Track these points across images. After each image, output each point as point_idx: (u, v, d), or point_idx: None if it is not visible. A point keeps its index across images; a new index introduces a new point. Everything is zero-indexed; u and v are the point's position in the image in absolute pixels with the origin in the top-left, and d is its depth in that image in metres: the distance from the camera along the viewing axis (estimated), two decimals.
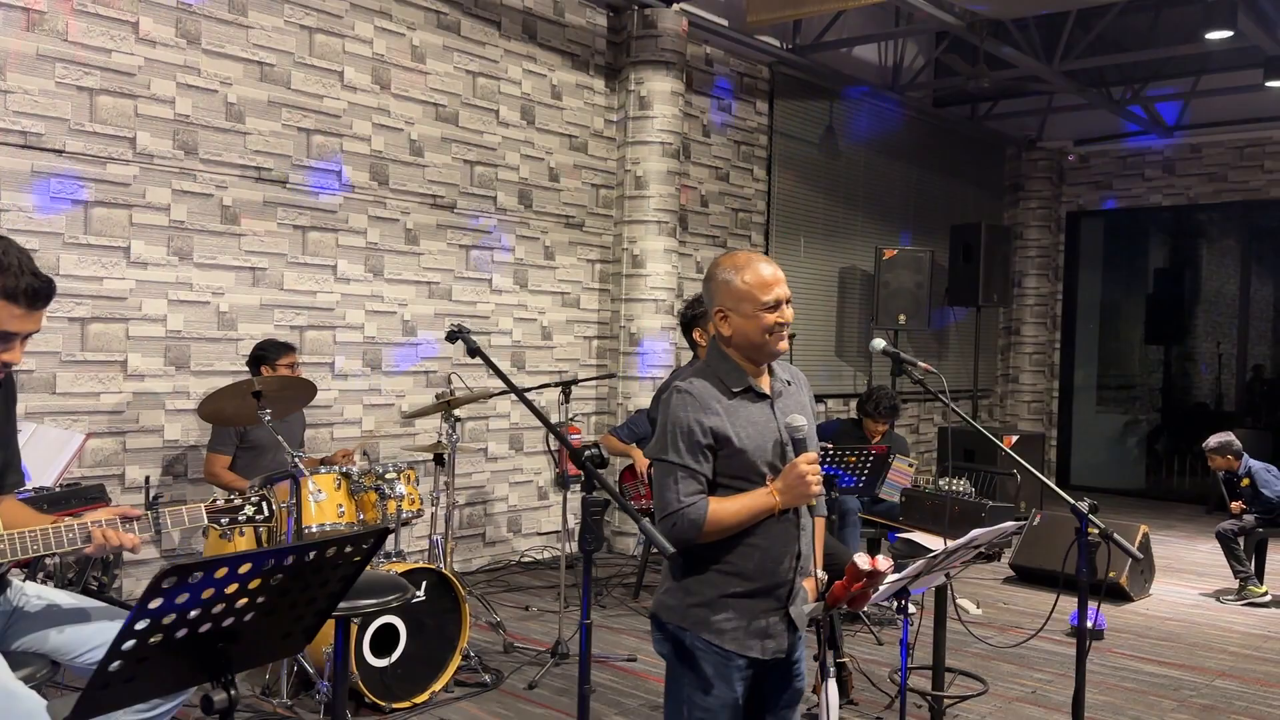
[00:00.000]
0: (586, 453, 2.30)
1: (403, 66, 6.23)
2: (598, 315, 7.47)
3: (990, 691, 4.82)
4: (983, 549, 2.76)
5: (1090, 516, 2.97)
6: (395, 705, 4.25)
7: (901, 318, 9.15)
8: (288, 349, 5.02)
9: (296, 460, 4.09)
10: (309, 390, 4.50)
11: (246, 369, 5.13)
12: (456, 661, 4.47)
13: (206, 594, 1.75)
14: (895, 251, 9.16)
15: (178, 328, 5.34)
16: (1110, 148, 11.34)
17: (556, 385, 5.30)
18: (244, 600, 1.84)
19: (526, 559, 6.96)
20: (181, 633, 1.77)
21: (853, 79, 9.29)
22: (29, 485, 3.65)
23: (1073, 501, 3.01)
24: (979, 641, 5.45)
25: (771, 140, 8.80)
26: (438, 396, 4.99)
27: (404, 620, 4.29)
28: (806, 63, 8.75)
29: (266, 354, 4.98)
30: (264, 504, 2.51)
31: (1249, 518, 6.61)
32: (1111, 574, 6.56)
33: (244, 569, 1.78)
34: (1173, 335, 11.58)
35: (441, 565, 4.72)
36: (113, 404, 5.12)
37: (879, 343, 3.40)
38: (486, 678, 4.61)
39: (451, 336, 2.86)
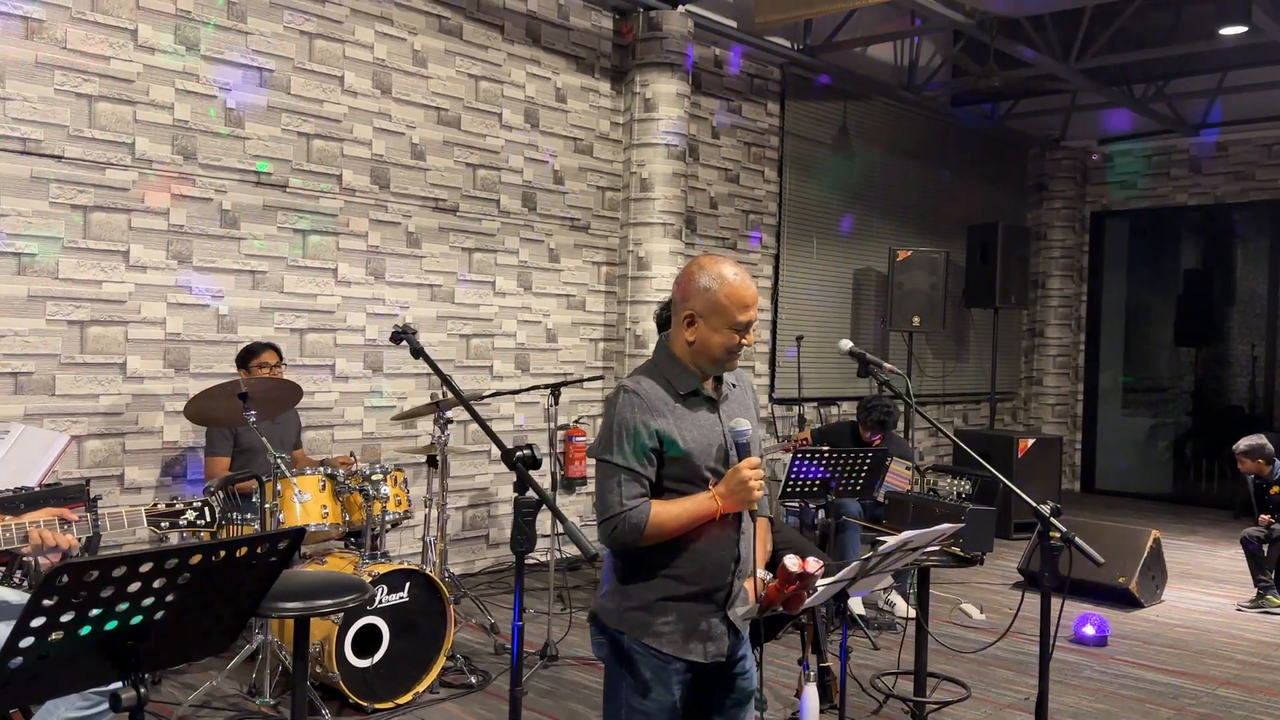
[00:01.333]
0: (518, 453, 2.29)
1: (404, 71, 6.28)
2: (604, 318, 7.47)
3: (983, 698, 4.76)
4: (926, 550, 2.70)
5: (1053, 520, 2.92)
6: (378, 705, 4.28)
7: (916, 319, 9.06)
8: (263, 349, 5.06)
9: (278, 461, 4.13)
10: (295, 392, 4.54)
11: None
12: (441, 663, 4.49)
13: (107, 592, 1.77)
14: (909, 253, 9.07)
15: (177, 330, 5.41)
16: (1134, 146, 11.15)
17: (546, 388, 5.31)
18: (151, 599, 1.85)
19: (528, 561, 6.96)
20: (84, 630, 1.79)
21: (866, 79, 9.22)
22: (8, 485, 3.70)
23: (1035, 504, 2.96)
24: (987, 646, 5.38)
25: (783, 141, 8.75)
26: (431, 398, 5.02)
27: (387, 621, 4.31)
28: (818, 63, 8.69)
29: (248, 354, 5.03)
30: (206, 509, 2.53)
31: (1278, 526, 6.45)
32: (1121, 580, 6.45)
33: (145, 568, 1.79)
34: (1203, 337, 11.35)
35: (427, 567, 4.73)
36: (111, 405, 5.20)
37: (845, 343, 3.37)
38: (473, 679, 4.62)
39: (395, 337, 2.87)
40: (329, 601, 3.09)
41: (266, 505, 4.22)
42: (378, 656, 4.29)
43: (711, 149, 8.19)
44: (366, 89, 6.12)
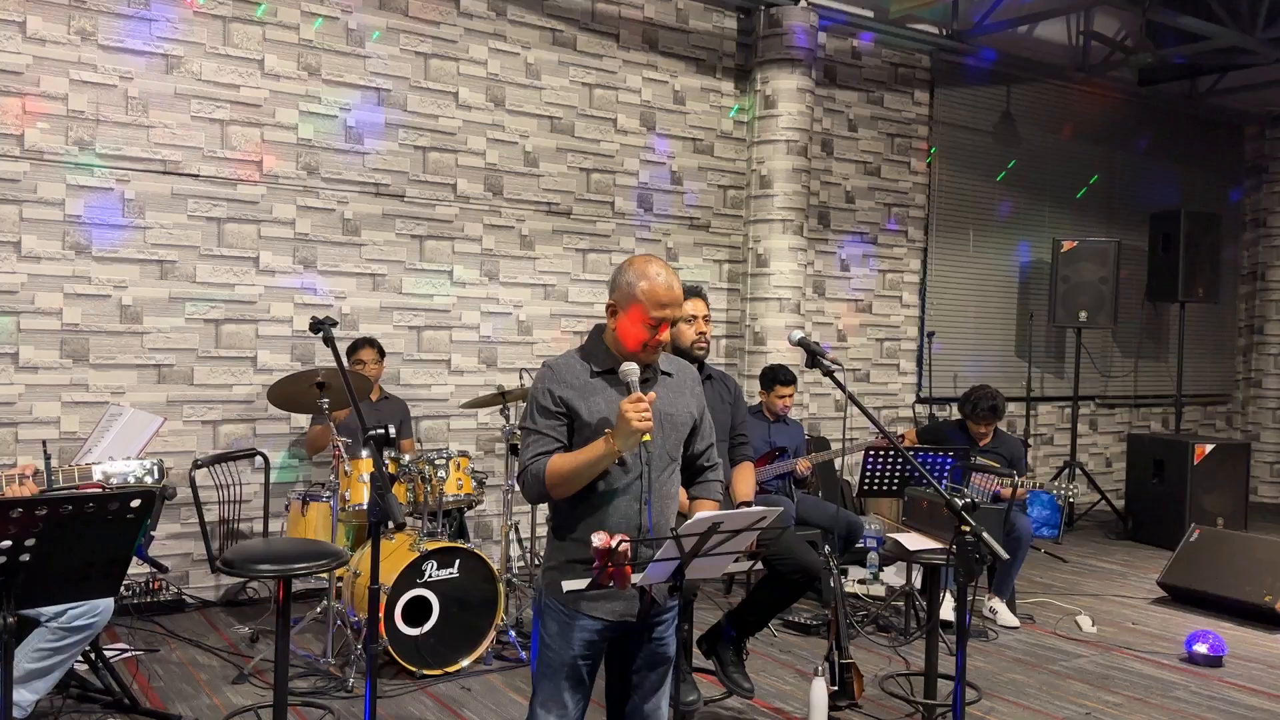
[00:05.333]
0: (371, 432, 2.53)
1: (517, 84, 6.65)
2: (726, 314, 7.56)
3: (1036, 709, 4.52)
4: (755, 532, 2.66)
5: (964, 515, 2.82)
6: (426, 671, 4.63)
7: (1082, 314, 8.51)
8: (363, 345, 5.57)
9: (338, 444, 4.58)
10: (365, 385, 4.99)
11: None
12: (491, 636, 4.79)
13: None
14: (1075, 243, 8.53)
15: (302, 328, 6.02)
16: None
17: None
18: (8, 544, 2.22)
19: None
20: None
21: (1029, 60, 8.76)
22: (117, 456, 4.33)
23: (947, 497, 2.87)
24: (1077, 655, 5.09)
25: (932, 130, 8.48)
26: (499, 389, 5.35)
27: (437, 595, 4.66)
28: (971, 48, 8.36)
29: (350, 349, 5.55)
30: (156, 469, 2.93)
31: None
32: (1268, 598, 5.86)
33: None
34: None
35: (472, 545, 5.03)
36: (244, 394, 5.87)
37: (796, 334, 3.37)
38: (523, 655, 4.90)
39: (315, 327, 3.16)
40: (302, 565, 3.44)
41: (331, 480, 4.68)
42: (427, 626, 4.65)
43: (848, 142, 8.07)
44: (480, 102, 6.54)
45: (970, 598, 2.91)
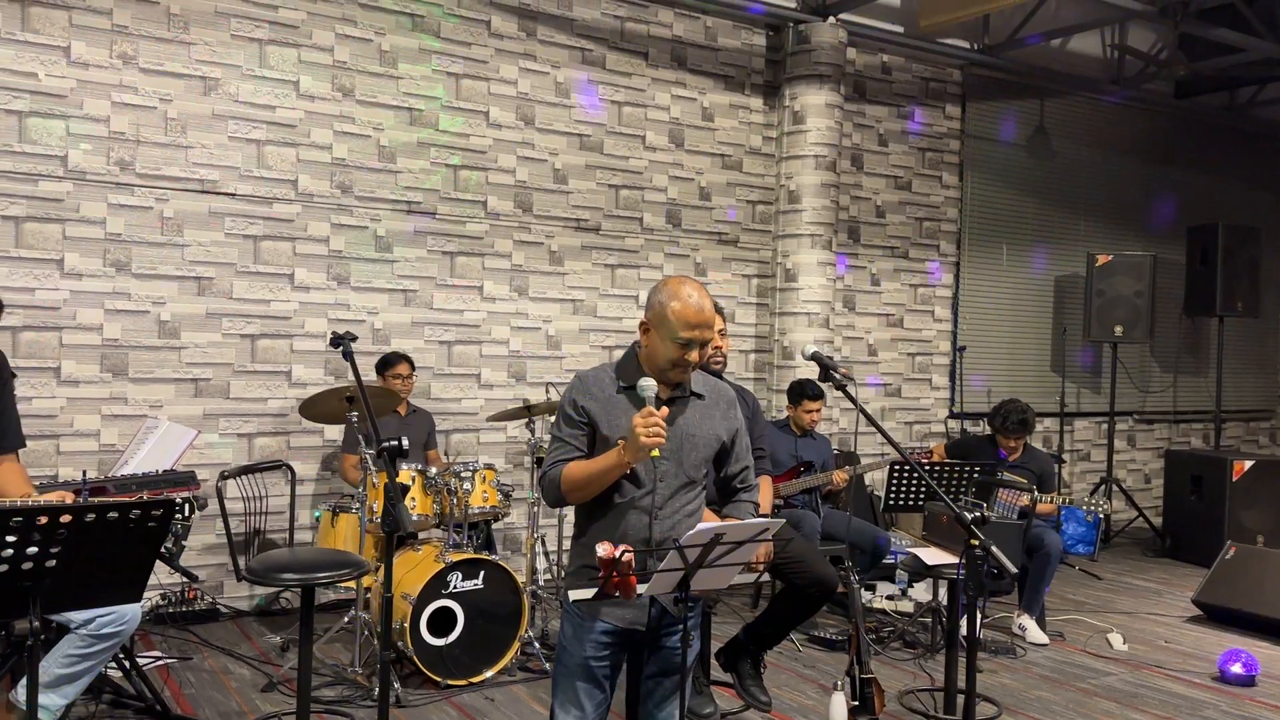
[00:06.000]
0: (384, 444, 2.60)
1: (547, 103, 6.75)
2: (755, 329, 7.59)
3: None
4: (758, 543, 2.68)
5: (973, 528, 2.83)
6: (451, 681, 4.69)
7: (1118, 329, 8.43)
8: (398, 360, 5.69)
9: (365, 457, 4.67)
10: (393, 400, 5.08)
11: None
12: (515, 647, 4.85)
13: None
14: (1110, 257, 8.46)
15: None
16: None
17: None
18: (35, 548, 2.31)
19: None
20: None
21: (1062, 74, 8.72)
22: (151, 469, 4.45)
23: (956, 511, 2.88)
24: (1106, 674, 5.04)
25: (964, 145, 8.46)
26: (524, 403, 5.41)
27: (462, 605, 4.73)
28: (1002, 62, 8.34)
29: (384, 364, 5.67)
30: (187, 504, 3.02)
31: None
32: None
33: (15, 521, 2.26)
34: None
35: (497, 557, 5.09)
36: (279, 408, 5.99)
37: (809, 348, 3.40)
38: (548, 666, 4.94)
39: (335, 342, 3.24)
40: (325, 574, 3.52)
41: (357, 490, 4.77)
42: (452, 637, 4.71)
43: (879, 157, 8.08)
44: (511, 121, 6.64)
45: (980, 610, 2.91)
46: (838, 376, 3.21)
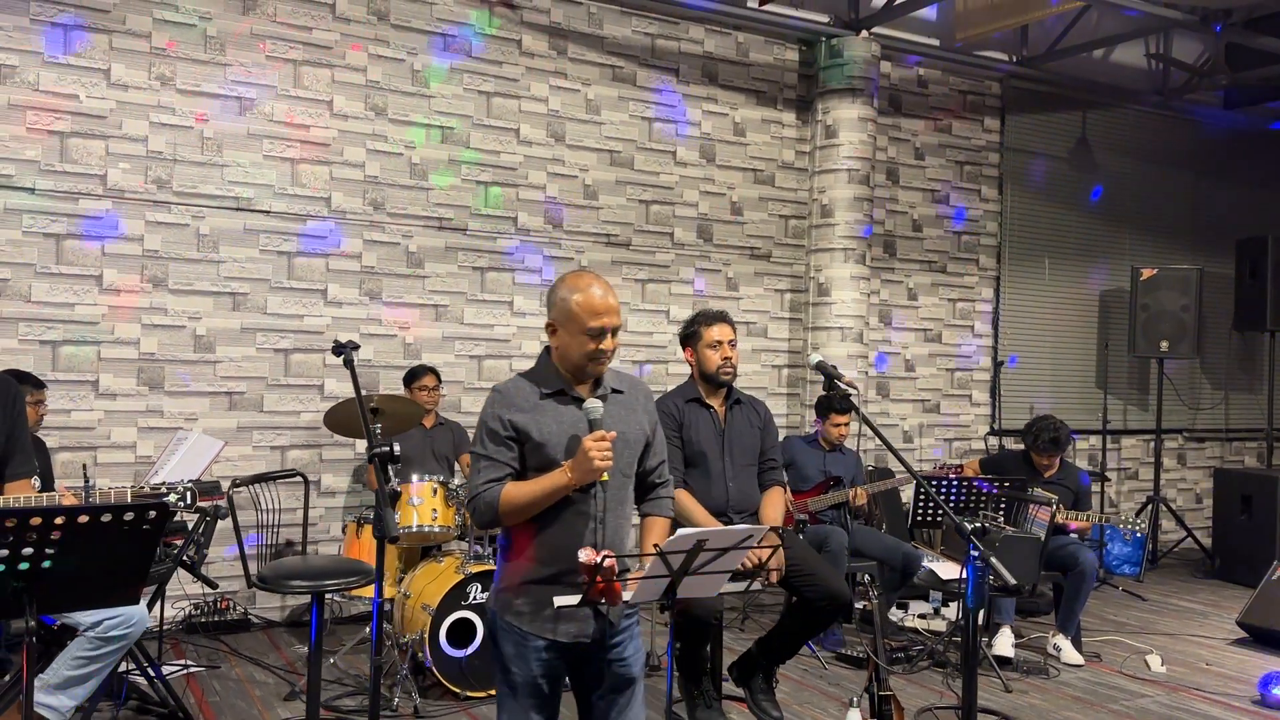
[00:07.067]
0: (376, 450, 2.63)
1: (577, 119, 6.80)
2: (788, 344, 7.54)
3: None
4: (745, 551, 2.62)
5: (973, 539, 2.79)
6: (470, 693, 4.71)
7: (1164, 344, 8.24)
8: (424, 372, 5.76)
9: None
10: (417, 412, 5.14)
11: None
12: None
13: None
14: (1155, 271, 8.28)
15: (368, 357, 6.23)
16: None
17: None
18: (29, 550, 2.37)
19: None
20: None
21: (1104, 85, 8.58)
22: (180, 478, 4.54)
23: (957, 521, 2.84)
24: (1140, 695, 4.91)
25: (1003, 158, 8.36)
26: None
27: (482, 618, 4.74)
28: (1042, 74, 8.24)
29: (411, 376, 5.74)
30: (188, 493, 3.08)
31: None
32: None
33: (10, 523, 2.32)
34: None
35: None
36: (311, 421, 6.08)
37: (815, 357, 3.38)
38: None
39: (337, 351, 3.28)
40: (335, 581, 3.56)
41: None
42: (472, 648, 4.73)
43: (914, 170, 8.02)
44: (541, 138, 6.70)
45: (974, 624, 2.85)
46: (842, 386, 3.18)
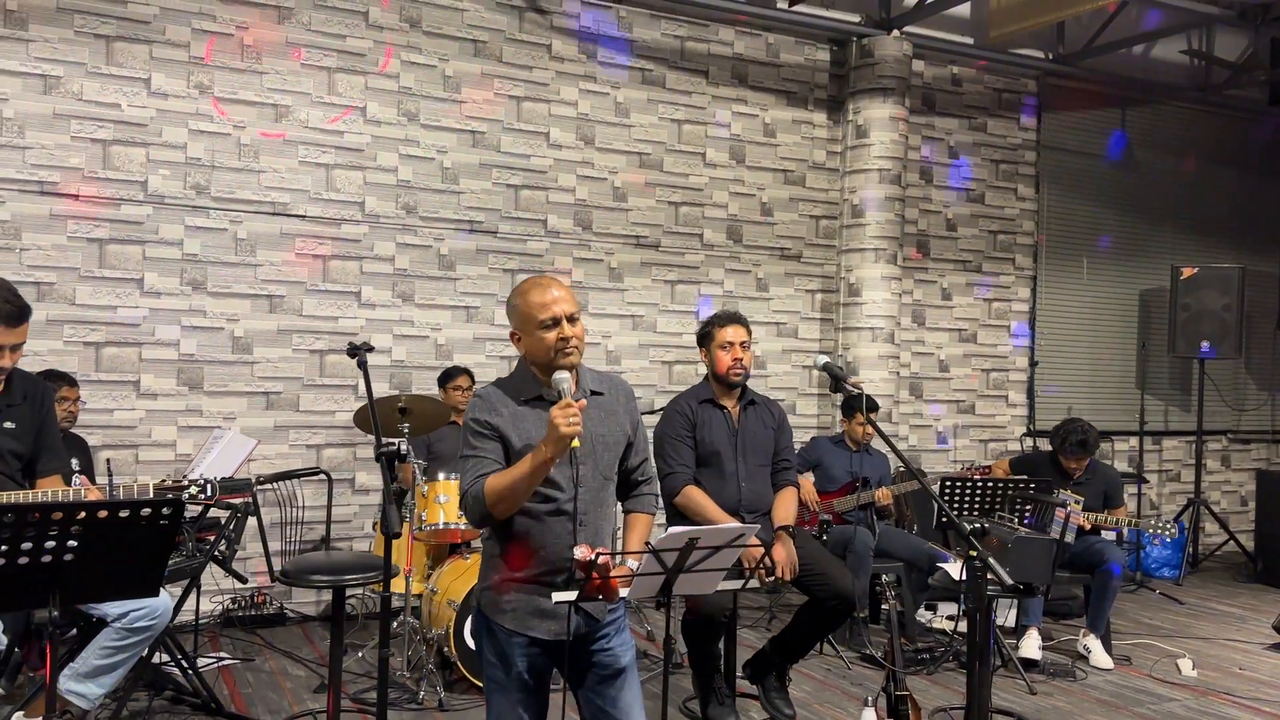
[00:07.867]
0: (384, 448, 2.71)
1: (606, 122, 6.87)
2: (819, 345, 7.55)
3: None
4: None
5: (973, 540, 2.81)
6: None
7: (1204, 344, 8.11)
8: (459, 373, 5.88)
9: (415, 468, 4.82)
10: (444, 412, 5.24)
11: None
12: None
13: (5, 534, 2.43)
14: (1195, 270, 8.16)
15: (401, 358, 6.35)
16: None
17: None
18: (52, 543, 2.49)
19: None
20: None
21: (1143, 81, 8.47)
22: (215, 474, 4.69)
23: (956, 521, 2.86)
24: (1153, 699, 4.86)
25: (1040, 156, 8.29)
26: None
27: None
28: (1080, 71, 8.16)
29: (446, 377, 5.87)
30: (208, 486, 3.19)
31: None
32: None
33: (33, 517, 2.43)
34: None
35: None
36: (345, 420, 6.22)
37: (821, 358, 3.41)
38: None
39: (351, 353, 3.37)
40: (354, 576, 3.66)
41: (411, 504, 4.93)
42: None
43: (949, 169, 7.97)
44: (570, 141, 6.78)
45: (974, 623, 2.87)
46: (848, 388, 3.21)
